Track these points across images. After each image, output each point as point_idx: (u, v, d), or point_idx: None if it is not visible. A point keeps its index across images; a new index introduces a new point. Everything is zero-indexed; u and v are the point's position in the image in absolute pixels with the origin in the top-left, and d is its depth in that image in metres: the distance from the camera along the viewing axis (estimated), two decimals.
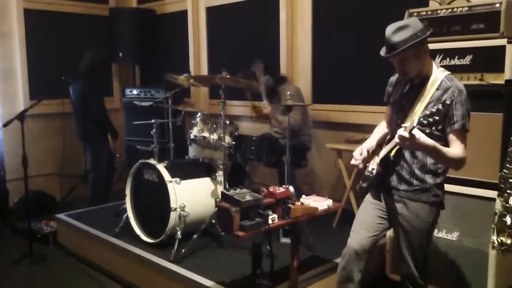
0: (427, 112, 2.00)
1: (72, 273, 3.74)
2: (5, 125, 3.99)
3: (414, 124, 2.01)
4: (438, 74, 2.29)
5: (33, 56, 5.31)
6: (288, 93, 3.45)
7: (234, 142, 3.64)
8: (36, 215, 4.42)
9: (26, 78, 5.29)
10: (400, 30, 2.20)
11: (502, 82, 2.67)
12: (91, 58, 4.62)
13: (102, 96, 4.76)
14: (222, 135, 3.51)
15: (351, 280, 2.47)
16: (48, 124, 5.44)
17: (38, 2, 5.34)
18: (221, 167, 3.57)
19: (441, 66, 2.43)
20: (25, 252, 3.96)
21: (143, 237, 3.57)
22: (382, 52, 2.28)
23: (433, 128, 2.01)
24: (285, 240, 3.46)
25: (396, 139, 2.13)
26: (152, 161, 3.59)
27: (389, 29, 2.23)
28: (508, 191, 2.14)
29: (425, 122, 1.99)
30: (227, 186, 3.42)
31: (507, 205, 2.13)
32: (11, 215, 4.81)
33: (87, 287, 3.51)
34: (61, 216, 4.24)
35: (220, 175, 3.65)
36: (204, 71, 5.44)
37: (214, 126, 3.62)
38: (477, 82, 2.76)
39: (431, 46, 2.90)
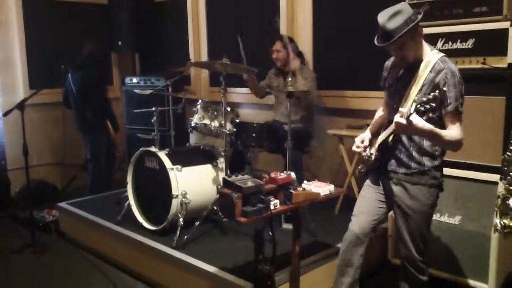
0: (424, 99, 1.99)
1: (74, 261, 3.76)
2: (5, 115, 3.98)
3: (411, 111, 2.00)
4: (431, 56, 2.28)
5: (32, 45, 5.28)
6: (289, 79, 3.43)
7: (235, 129, 3.63)
8: (37, 204, 4.43)
9: (26, 67, 5.26)
10: (393, 17, 2.16)
11: (505, 65, 2.65)
12: (91, 49, 4.60)
13: (102, 86, 4.74)
14: (223, 122, 3.49)
15: (351, 264, 2.49)
16: (48, 114, 5.43)
17: None
18: (222, 154, 3.57)
19: (443, 50, 2.42)
20: (27, 241, 3.98)
21: (145, 224, 3.58)
22: (377, 41, 2.25)
23: (430, 114, 2.01)
24: (287, 226, 3.46)
25: (393, 125, 2.13)
26: (153, 148, 3.59)
27: (382, 17, 2.19)
28: (511, 173, 2.13)
29: (422, 109, 1.99)
30: (229, 173, 3.42)
31: (510, 187, 2.13)
32: (13, 205, 4.81)
33: (90, 275, 3.53)
34: (63, 204, 4.25)
35: (221, 162, 3.65)
36: (204, 57, 5.41)
37: (215, 113, 3.60)
38: (479, 66, 2.75)
39: (433, 30, 2.90)
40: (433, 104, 1.98)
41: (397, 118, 2.06)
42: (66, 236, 4.18)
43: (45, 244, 4.01)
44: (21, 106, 3.88)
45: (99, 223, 3.78)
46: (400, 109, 2.11)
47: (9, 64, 5.20)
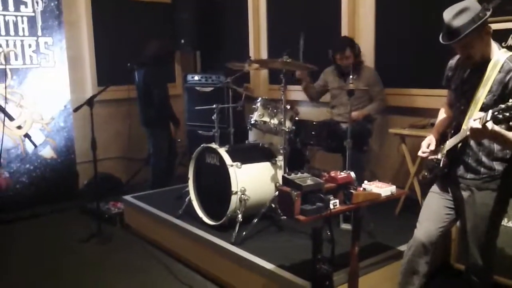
0: (503, 106, 1.83)
1: (137, 253, 3.90)
2: (75, 110, 4.19)
3: (488, 118, 1.87)
4: (499, 56, 2.16)
5: (100, 44, 5.50)
6: (351, 77, 3.39)
7: (294, 127, 3.63)
8: (104, 196, 4.61)
9: (94, 65, 5.50)
10: (460, 14, 2.07)
11: None
12: (156, 47, 4.73)
13: (165, 84, 4.88)
14: (282, 120, 3.50)
15: (416, 272, 2.43)
16: (115, 110, 5.65)
17: None
18: (281, 151, 3.57)
19: None
20: (94, 231, 4.17)
21: (205, 219, 3.65)
22: (443, 39, 2.16)
23: (510, 123, 1.86)
24: (345, 226, 3.43)
25: (465, 131, 2.04)
26: (214, 145, 3.65)
27: (448, 14, 2.11)
28: None
29: (500, 117, 1.83)
30: (287, 171, 3.42)
31: None
32: (81, 196, 5.03)
33: (151, 266, 3.65)
34: (128, 197, 4.41)
35: (280, 160, 3.66)
36: (264, 55, 5.44)
37: (275, 111, 3.61)
38: None
39: (504, 25, 2.76)
40: None
41: (473, 123, 1.94)
42: (130, 228, 4.35)
43: (110, 235, 4.20)
44: (90, 102, 4.06)
45: (161, 216, 3.91)
46: (475, 115, 1.99)
47: (78, 62, 5.43)
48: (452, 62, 2.43)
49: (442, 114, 2.58)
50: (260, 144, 3.80)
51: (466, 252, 2.39)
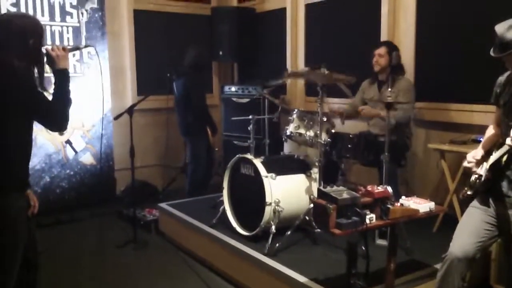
0: None
1: (171, 260, 3.94)
2: (116, 118, 4.30)
3: None
4: None
5: (141, 54, 5.64)
6: (390, 90, 3.35)
7: (330, 140, 3.60)
8: (140, 203, 4.68)
9: (135, 75, 5.64)
10: None
11: None
12: (193, 56, 4.82)
13: (203, 92, 4.95)
14: (318, 132, 3.48)
15: (451, 287, 2.34)
16: (153, 119, 5.76)
17: (146, 2, 5.66)
18: (316, 164, 3.55)
19: None
20: (130, 237, 4.24)
21: (239, 229, 3.66)
22: (494, 51, 2.14)
23: None
24: (381, 242, 3.36)
25: (509, 143, 1.98)
26: (249, 155, 3.67)
27: (501, 27, 2.09)
28: None
29: None
30: (322, 184, 3.40)
31: None
32: (118, 202, 5.13)
33: (184, 273, 3.68)
34: (163, 205, 4.46)
35: (315, 172, 3.63)
36: (301, 67, 5.43)
37: (311, 123, 3.60)
38: None
39: None
40: None
41: None
42: (165, 235, 4.40)
43: (146, 242, 4.25)
44: (130, 110, 4.16)
45: (195, 225, 3.93)
46: None
47: (120, 71, 5.58)
48: (502, 78, 2.38)
49: (489, 132, 2.51)
50: (295, 156, 3.79)
51: (509, 273, 2.30)
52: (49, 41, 4.80)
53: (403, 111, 3.75)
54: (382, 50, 3.87)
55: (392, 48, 3.90)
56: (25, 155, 2.21)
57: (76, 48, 2.78)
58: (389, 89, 3.35)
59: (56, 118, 2.22)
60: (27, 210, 2.27)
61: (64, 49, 2.29)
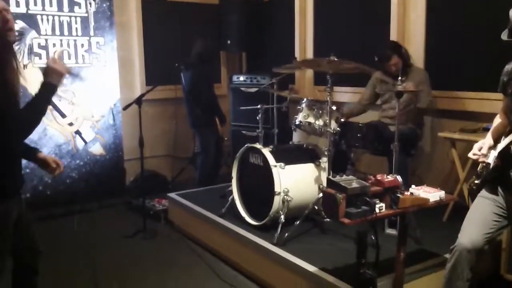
0: None
1: (180, 249, 3.96)
2: (124, 108, 4.30)
3: None
4: None
5: (149, 44, 5.62)
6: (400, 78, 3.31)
7: (339, 129, 3.58)
8: (149, 193, 4.69)
9: (143, 65, 5.63)
10: None
11: None
12: (201, 47, 4.81)
13: (211, 83, 4.94)
14: (327, 121, 3.46)
15: (460, 278, 2.33)
16: (162, 109, 5.77)
17: None
18: (325, 153, 3.53)
19: None
20: (139, 227, 4.27)
21: (248, 219, 3.66)
22: (505, 35, 2.10)
23: None
24: (390, 231, 3.35)
25: None
26: (257, 145, 3.66)
27: None
28: None
29: None
30: (331, 173, 3.38)
31: None
32: (127, 193, 5.16)
33: (193, 263, 3.70)
34: (172, 195, 4.48)
35: (324, 162, 3.62)
36: (310, 56, 5.40)
37: (320, 112, 3.57)
38: None
39: None
40: None
41: None
42: (174, 225, 4.42)
43: (155, 231, 4.28)
44: (139, 101, 4.17)
45: (204, 215, 3.94)
46: None
47: (128, 62, 5.57)
48: (509, 66, 2.33)
49: (497, 121, 2.47)
50: (304, 145, 3.77)
51: None
52: (57, 32, 4.81)
53: (429, 99, 3.73)
54: (394, 60, 3.82)
55: (398, 49, 3.85)
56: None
57: (76, 75, 2.67)
58: (399, 78, 3.30)
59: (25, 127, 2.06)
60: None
61: (67, 70, 2.18)
